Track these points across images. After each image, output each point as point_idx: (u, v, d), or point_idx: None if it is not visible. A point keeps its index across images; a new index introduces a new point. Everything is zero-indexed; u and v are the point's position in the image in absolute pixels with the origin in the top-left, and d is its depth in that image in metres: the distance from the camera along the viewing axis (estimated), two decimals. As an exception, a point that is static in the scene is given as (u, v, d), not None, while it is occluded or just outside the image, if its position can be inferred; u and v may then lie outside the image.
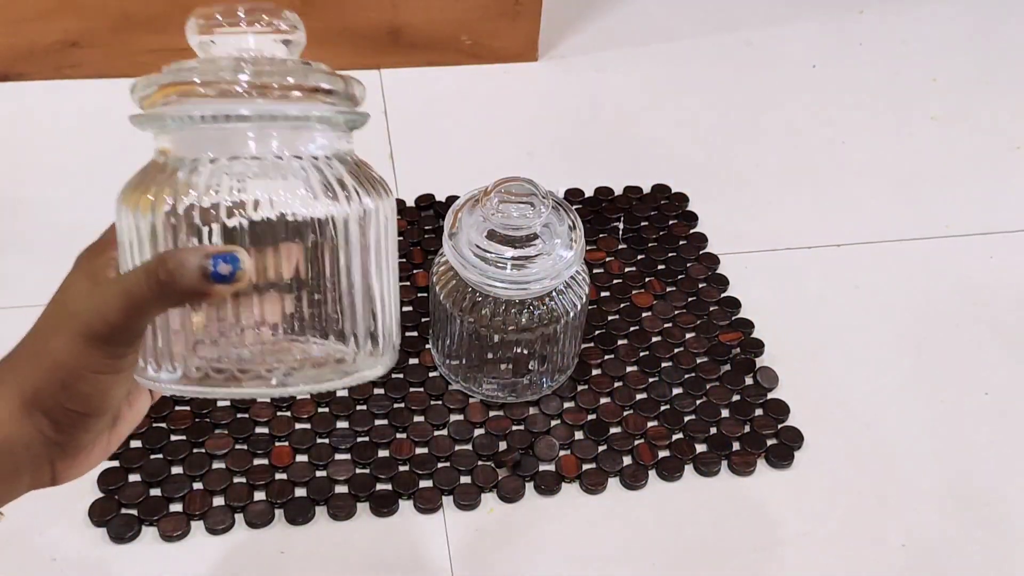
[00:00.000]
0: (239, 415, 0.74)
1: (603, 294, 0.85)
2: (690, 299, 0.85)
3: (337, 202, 0.39)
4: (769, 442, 0.76)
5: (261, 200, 0.38)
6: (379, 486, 0.71)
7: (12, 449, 0.41)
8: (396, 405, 0.75)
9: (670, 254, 0.89)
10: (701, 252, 0.90)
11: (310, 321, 0.40)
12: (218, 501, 0.69)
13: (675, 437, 0.75)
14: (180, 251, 0.37)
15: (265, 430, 0.73)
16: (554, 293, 0.71)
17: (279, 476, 0.71)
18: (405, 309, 0.82)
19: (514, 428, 0.75)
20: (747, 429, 0.76)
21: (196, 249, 0.37)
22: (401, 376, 0.77)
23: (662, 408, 0.77)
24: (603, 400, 0.77)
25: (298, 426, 0.73)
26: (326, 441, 0.73)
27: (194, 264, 0.37)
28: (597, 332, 0.82)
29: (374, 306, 0.41)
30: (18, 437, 0.41)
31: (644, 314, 0.84)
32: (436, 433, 0.74)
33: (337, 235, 0.40)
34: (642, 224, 0.92)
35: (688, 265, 0.88)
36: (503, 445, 0.74)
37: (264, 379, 0.39)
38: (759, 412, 0.78)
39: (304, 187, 0.39)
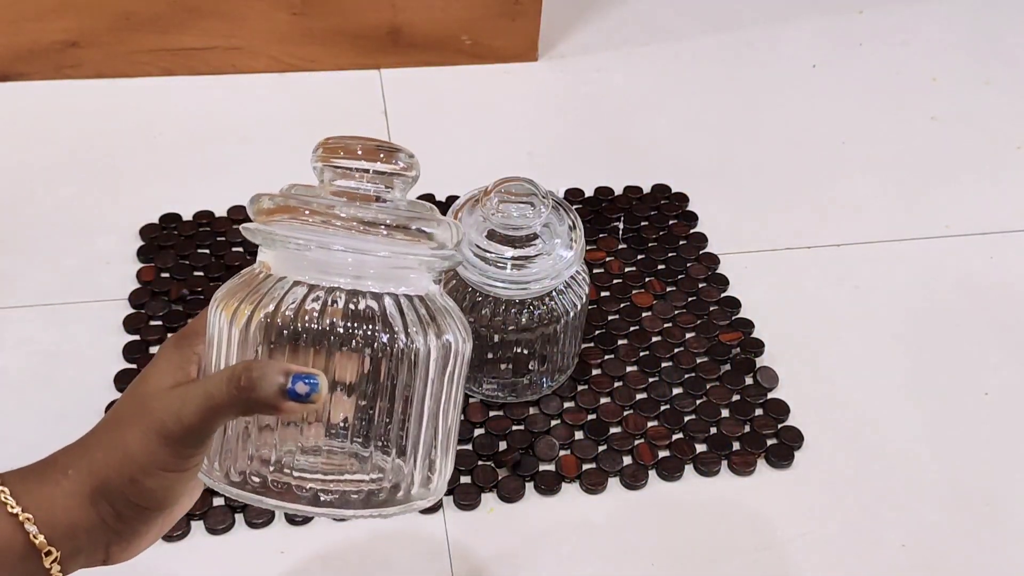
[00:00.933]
0: (239, 415, 0.74)
1: (603, 294, 0.85)
2: (690, 299, 0.85)
3: (421, 337, 0.42)
4: (769, 442, 0.76)
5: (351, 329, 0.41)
6: (379, 486, 0.71)
7: (75, 533, 0.42)
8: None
9: (670, 254, 0.89)
10: (701, 252, 0.90)
11: (378, 434, 0.43)
12: (218, 501, 0.69)
13: (675, 437, 0.75)
14: (265, 363, 0.39)
15: (265, 430, 0.73)
16: (554, 293, 0.71)
17: (279, 476, 0.71)
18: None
19: (514, 428, 0.75)
20: (747, 429, 0.76)
21: (280, 365, 0.39)
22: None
23: (662, 408, 0.77)
24: (603, 400, 0.77)
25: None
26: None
27: (275, 379, 0.38)
28: (597, 332, 0.82)
29: (437, 436, 0.44)
30: (82, 522, 0.42)
31: (644, 314, 0.84)
32: (436, 433, 0.74)
33: (417, 367, 0.42)
34: (642, 224, 0.92)
35: (688, 265, 0.88)
36: (503, 445, 0.74)
37: (318, 499, 0.42)
38: (759, 412, 0.78)
39: (393, 323, 0.42)
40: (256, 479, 0.42)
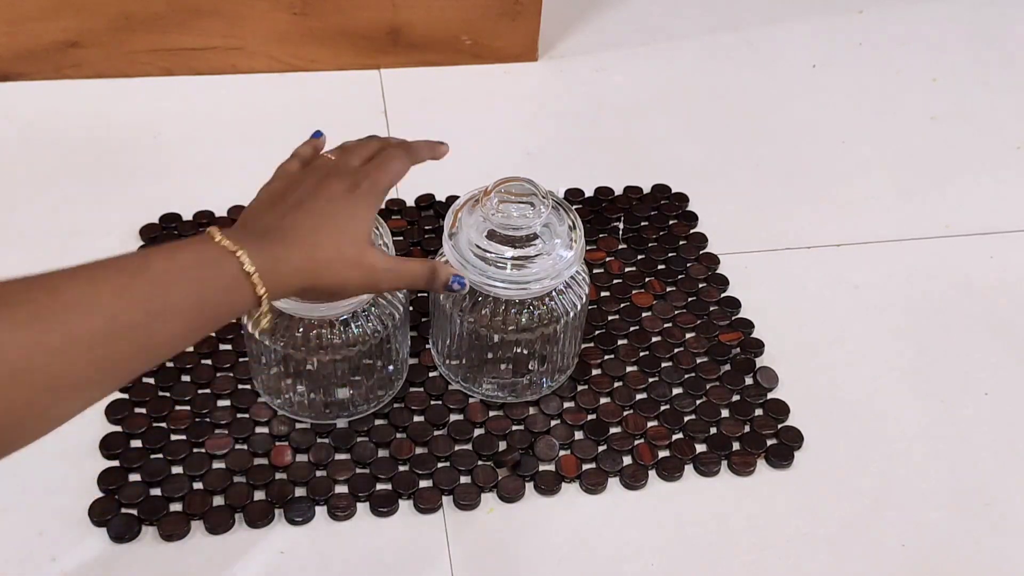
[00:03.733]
0: (239, 415, 0.74)
1: (603, 294, 0.85)
2: (690, 299, 0.85)
3: None
4: (769, 442, 0.76)
5: None
6: (379, 486, 0.71)
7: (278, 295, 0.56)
8: (396, 405, 0.75)
9: (670, 254, 0.89)
10: (701, 252, 0.90)
11: None
12: (218, 501, 0.69)
13: (675, 437, 0.75)
14: (444, 265, 0.65)
15: (265, 430, 0.73)
16: (554, 293, 0.71)
17: (279, 476, 0.71)
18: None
19: (514, 428, 0.75)
20: (747, 429, 0.76)
21: (449, 268, 0.65)
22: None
23: (662, 408, 0.77)
24: (603, 400, 0.77)
25: (298, 426, 0.73)
26: (326, 441, 0.73)
27: (447, 273, 0.64)
28: (597, 332, 0.82)
29: None
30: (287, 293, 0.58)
31: (644, 314, 0.84)
32: (436, 433, 0.74)
33: None
34: (642, 224, 0.92)
35: (688, 265, 0.88)
36: (503, 445, 0.74)
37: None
38: (759, 412, 0.78)
39: None
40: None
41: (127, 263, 0.50)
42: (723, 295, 0.86)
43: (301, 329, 0.69)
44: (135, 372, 0.49)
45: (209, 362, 0.77)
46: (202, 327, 0.52)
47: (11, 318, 0.43)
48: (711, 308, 0.85)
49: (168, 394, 0.75)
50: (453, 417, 0.75)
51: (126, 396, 0.75)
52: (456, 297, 0.72)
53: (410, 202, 0.92)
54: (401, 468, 0.72)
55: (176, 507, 0.69)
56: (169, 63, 1.03)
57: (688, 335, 0.82)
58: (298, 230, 0.57)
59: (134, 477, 0.70)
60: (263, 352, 0.71)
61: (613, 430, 0.75)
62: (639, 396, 0.78)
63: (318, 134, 0.68)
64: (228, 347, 0.78)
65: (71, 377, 0.45)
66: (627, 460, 0.74)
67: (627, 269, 0.87)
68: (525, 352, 0.73)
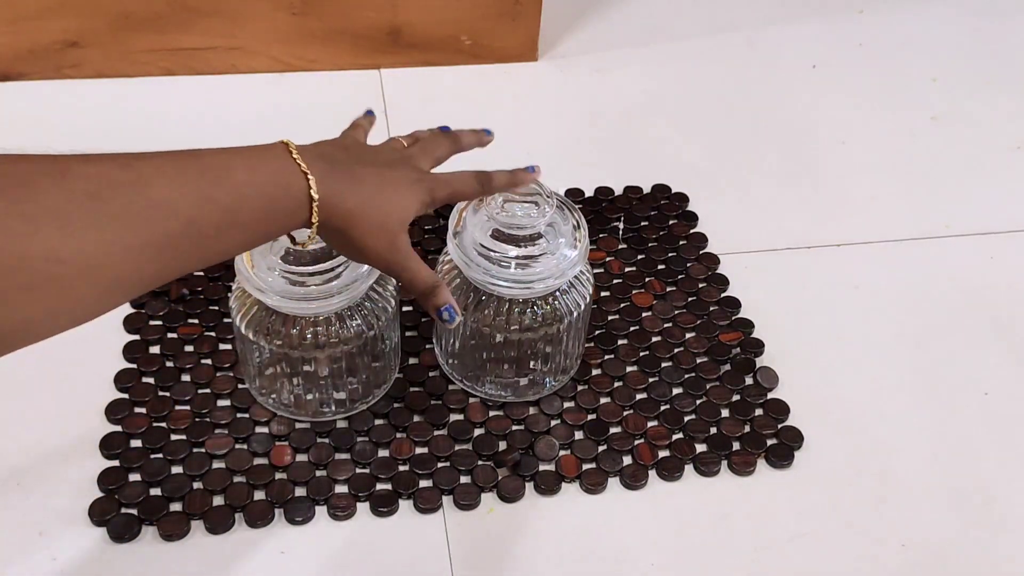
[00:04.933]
0: (239, 415, 0.74)
1: (603, 294, 0.85)
2: (690, 299, 0.85)
3: None
4: (769, 442, 0.76)
5: None
6: (379, 486, 0.71)
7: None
8: (396, 405, 0.75)
9: (670, 254, 0.89)
10: (701, 252, 0.90)
11: None
12: (218, 501, 0.69)
13: (675, 437, 0.75)
14: (447, 290, 0.62)
15: (265, 430, 0.73)
16: (558, 293, 0.71)
17: (279, 476, 0.71)
18: (405, 309, 0.82)
19: (514, 428, 0.75)
20: (747, 429, 0.76)
21: (450, 296, 0.61)
22: (401, 376, 0.77)
23: (662, 408, 0.77)
24: (603, 400, 0.77)
25: (298, 426, 0.73)
26: (326, 441, 0.73)
27: (444, 299, 0.61)
28: (597, 332, 0.82)
29: None
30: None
31: (644, 314, 0.84)
32: (436, 433, 0.74)
33: None
34: (642, 224, 0.92)
35: (688, 265, 0.88)
36: (503, 445, 0.74)
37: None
38: (759, 412, 0.78)
39: None
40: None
41: (210, 164, 0.50)
42: (723, 295, 0.86)
43: (296, 328, 0.69)
44: (185, 273, 0.50)
45: (209, 362, 0.77)
46: (258, 241, 0.54)
47: (99, 213, 0.44)
48: (711, 308, 0.85)
49: (168, 394, 0.75)
50: (453, 417, 0.75)
51: (126, 396, 0.75)
52: (459, 297, 0.72)
53: (410, 202, 0.92)
54: (401, 468, 0.72)
55: (176, 507, 0.69)
56: (169, 63, 1.03)
57: (688, 335, 0.82)
58: (363, 181, 0.58)
59: (134, 477, 0.70)
60: (255, 350, 0.71)
61: (613, 430, 0.75)
62: (639, 396, 0.78)
63: (370, 112, 0.71)
64: (228, 347, 0.78)
65: (136, 277, 0.46)
66: (627, 460, 0.74)
67: (627, 269, 0.87)
68: (528, 352, 0.73)
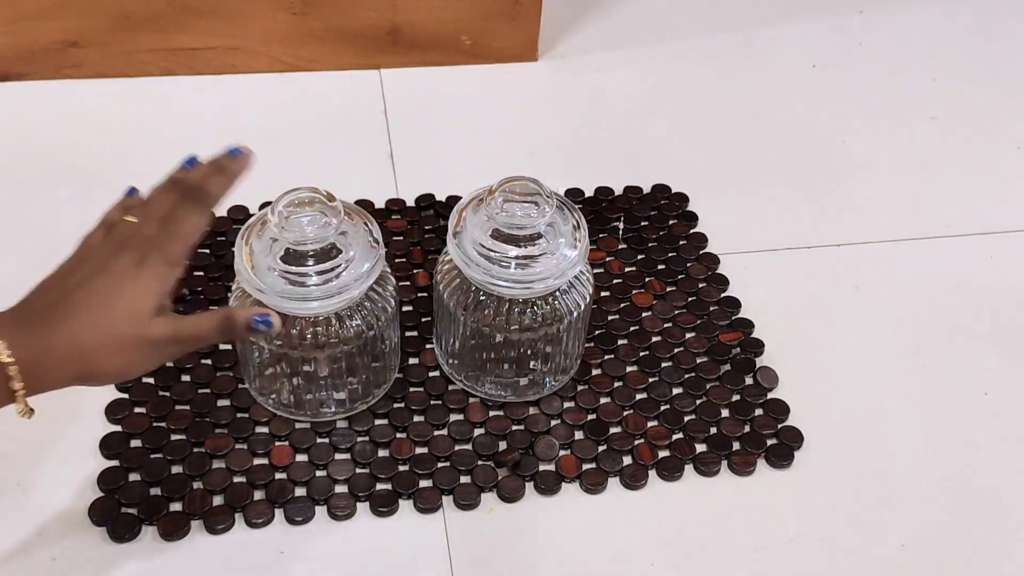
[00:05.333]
0: (239, 415, 0.74)
1: (603, 294, 0.85)
2: (690, 299, 0.85)
3: None
4: (769, 442, 0.76)
5: None
6: (379, 486, 0.71)
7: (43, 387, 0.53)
8: (396, 405, 0.75)
9: (670, 254, 0.89)
10: (701, 252, 0.90)
11: None
12: (218, 501, 0.69)
13: (675, 437, 0.75)
14: (240, 309, 0.59)
15: (265, 430, 0.73)
16: (558, 293, 0.71)
17: (279, 476, 0.71)
18: (405, 309, 0.82)
19: (514, 428, 0.75)
20: (747, 429, 0.76)
21: (250, 309, 0.59)
22: (401, 376, 0.77)
23: (662, 408, 0.77)
24: (603, 400, 0.77)
25: (298, 426, 0.73)
26: (326, 441, 0.73)
27: (246, 316, 0.59)
28: (597, 332, 0.82)
29: None
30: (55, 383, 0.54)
31: (644, 314, 0.84)
32: (436, 433, 0.74)
33: None
34: (642, 224, 0.92)
35: (688, 265, 0.88)
36: (503, 445, 0.74)
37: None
38: (759, 412, 0.78)
39: None
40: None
41: None
42: (723, 295, 0.86)
43: (296, 328, 0.69)
44: None
45: (209, 362, 0.77)
46: None
47: None
48: (711, 308, 0.85)
49: (168, 394, 0.75)
50: (453, 417, 0.75)
51: (126, 396, 0.75)
52: (459, 297, 0.72)
53: (410, 202, 0.92)
54: (401, 468, 0.72)
55: (176, 507, 0.69)
56: (169, 63, 1.03)
57: (688, 335, 0.82)
58: (71, 313, 0.53)
59: (134, 477, 0.70)
60: (255, 350, 0.71)
61: (613, 430, 0.75)
62: (639, 396, 0.78)
63: (235, 151, 0.61)
64: (228, 347, 0.78)
65: None
66: (627, 460, 0.74)
67: (627, 269, 0.87)
68: (528, 352, 0.73)
